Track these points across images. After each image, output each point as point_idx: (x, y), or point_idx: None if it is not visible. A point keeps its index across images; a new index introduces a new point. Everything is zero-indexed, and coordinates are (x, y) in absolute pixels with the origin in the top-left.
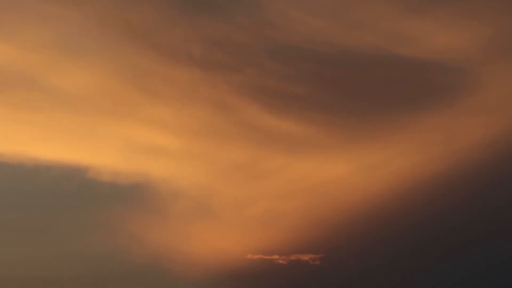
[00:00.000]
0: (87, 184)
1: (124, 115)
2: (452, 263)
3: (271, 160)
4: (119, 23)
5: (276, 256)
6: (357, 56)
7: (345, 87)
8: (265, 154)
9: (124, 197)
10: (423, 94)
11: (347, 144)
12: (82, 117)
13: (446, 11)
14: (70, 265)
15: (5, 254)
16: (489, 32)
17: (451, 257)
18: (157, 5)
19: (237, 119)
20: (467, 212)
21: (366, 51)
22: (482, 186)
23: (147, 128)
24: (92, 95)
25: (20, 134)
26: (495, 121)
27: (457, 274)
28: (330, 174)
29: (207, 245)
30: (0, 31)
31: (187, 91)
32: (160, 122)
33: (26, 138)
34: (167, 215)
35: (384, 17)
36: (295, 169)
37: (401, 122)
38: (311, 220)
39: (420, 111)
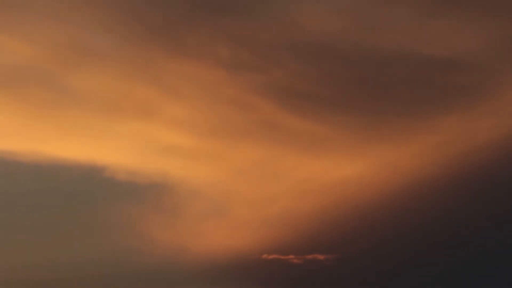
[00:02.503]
0: (104, 183)
1: (144, 115)
2: (470, 262)
3: (288, 159)
4: (142, 23)
5: (291, 256)
6: (379, 56)
7: (365, 87)
8: (283, 153)
9: (141, 197)
10: (443, 95)
11: (365, 144)
12: (101, 116)
13: (468, 11)
14: (83, 266)
15: (15, 255)
16: (510, 33)
17: (470, 255)
18: (183, 5)
19: (257, 118)
20: (484, 211)
21: (387, 51)
22: (499, 186)
23: (166, 128)
24: (111, 94)
25: (38, 133)
26: None
27: (475, 273)
28: (347, 173)
29: (222, 245)
30: (21, 30)
31: (209, 91)
32: (179, 121)
33: (44, 137)
34: (183, 214)
35: (407, 17)
36: (313, 168)
37: (419, 122)
38: (327, 219)
39: (439, 111)
